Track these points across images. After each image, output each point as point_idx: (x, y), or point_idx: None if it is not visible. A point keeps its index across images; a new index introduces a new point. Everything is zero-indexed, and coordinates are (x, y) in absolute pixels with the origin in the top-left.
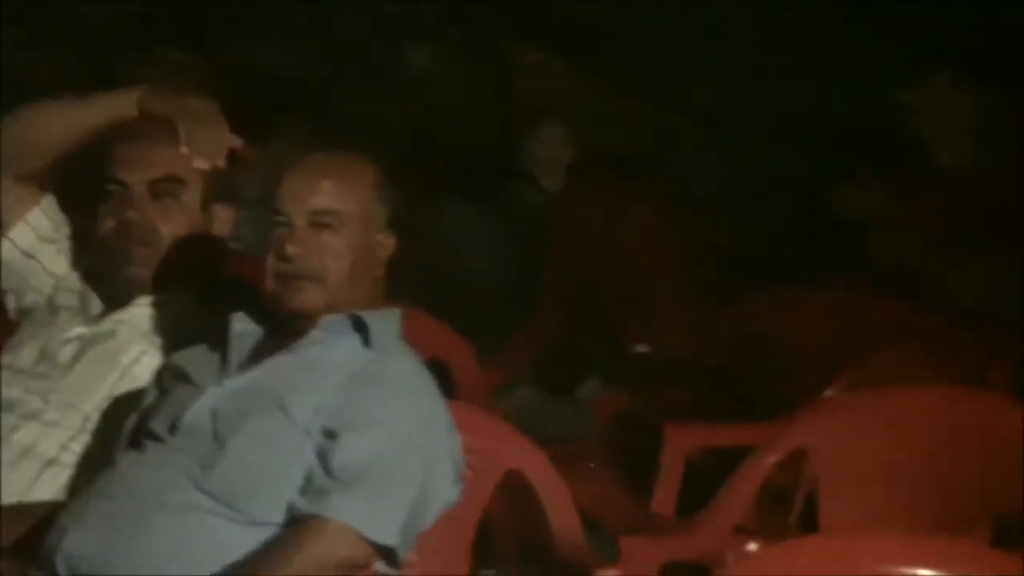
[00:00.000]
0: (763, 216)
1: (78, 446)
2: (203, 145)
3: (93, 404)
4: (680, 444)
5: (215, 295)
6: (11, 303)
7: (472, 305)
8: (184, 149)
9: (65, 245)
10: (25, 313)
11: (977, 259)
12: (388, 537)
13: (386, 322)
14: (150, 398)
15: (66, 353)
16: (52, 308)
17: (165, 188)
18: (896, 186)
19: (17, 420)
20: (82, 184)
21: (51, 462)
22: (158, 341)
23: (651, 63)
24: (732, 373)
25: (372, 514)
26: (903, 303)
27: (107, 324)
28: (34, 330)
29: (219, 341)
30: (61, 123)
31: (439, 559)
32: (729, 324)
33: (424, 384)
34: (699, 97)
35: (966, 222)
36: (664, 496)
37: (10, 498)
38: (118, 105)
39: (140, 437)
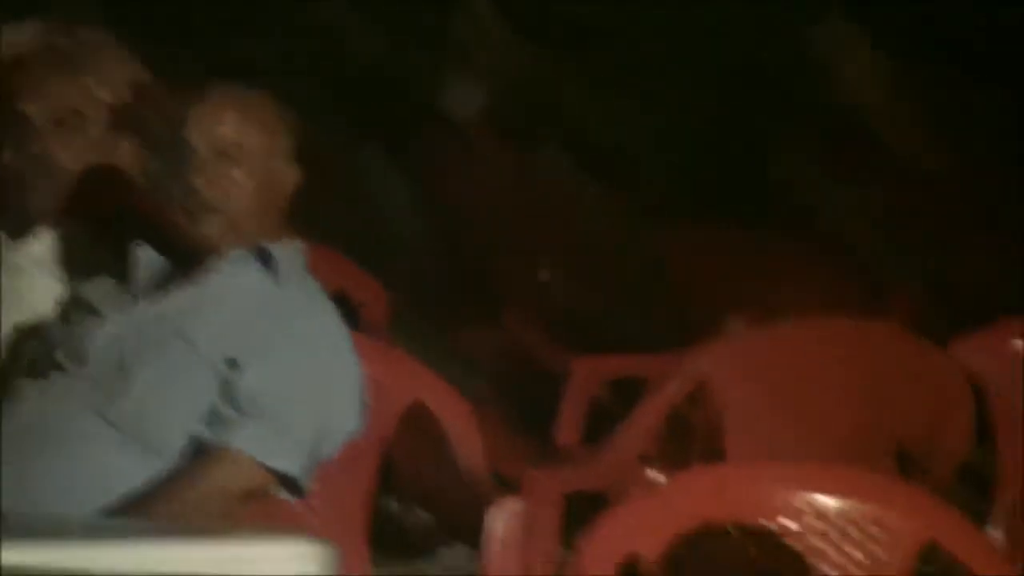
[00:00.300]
0: (667, 157)
1: None
2: (106, 77)
3: None
4: (585, 375)
5: (119, 227)
6: None
7: (383, 249)
8: (87, 81)
9: None
10: None
11: (874, 198)
12: (290, 466)
13: (290, 254)
14: (53, 328)
15: None
16: None
17: (67, 120)
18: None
19: None
20: None
21: None
22: (61, 272)
23: (570, 17)
24: (636, 307)
25: (274, 444)
26: (802, 240)
27: (8, 256)
28: None
29: (123, 272)
30: None
31: (342, 488)
32: (630, 262)
33: (328, 316)
34: (612, 48)
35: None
36: (569, 427)
37: None
38: (16, 41)
39: (44, 367)
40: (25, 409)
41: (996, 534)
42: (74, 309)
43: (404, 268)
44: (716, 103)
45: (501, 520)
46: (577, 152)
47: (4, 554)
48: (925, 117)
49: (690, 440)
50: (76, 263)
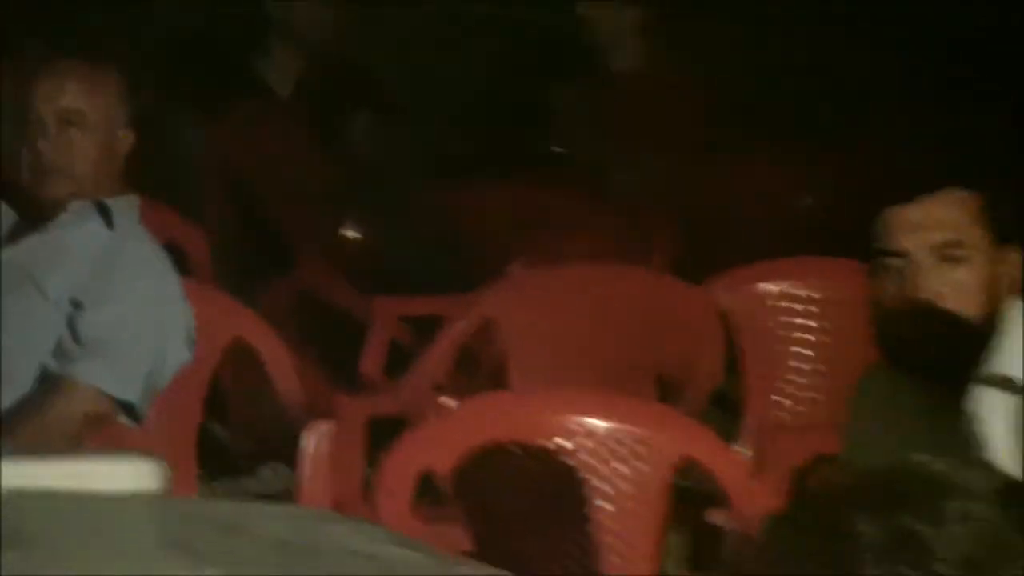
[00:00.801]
0: (453, 115)
1: None
2: None
3: None
4: (385, 315)
5: None
6: None
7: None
8: None
9: None
10: None
11: (643, 154)
12: (128, 394)
13: (125, 207)
14: None
15: None
16: None
17: None
18: (577, 87)
19: None
20: None
21: None
22: None
23: None
24: (433, 256)
25: (114, 375)
26: (579, 194)
27: None
28: None
29: None
30: None
31: (174, 414)
32: (428, 215)
33: (159, 262)
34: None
35: (635, 120)
36: (373, 360)
37: None
38: None
39: None
40: None
41: (744, 451)
42: None
43: (214, 222)
44: (507, 63)
45: (314, 441)
46: (384, 112)
47: None
48: (692, 75)
49: (478, 371)
50: None
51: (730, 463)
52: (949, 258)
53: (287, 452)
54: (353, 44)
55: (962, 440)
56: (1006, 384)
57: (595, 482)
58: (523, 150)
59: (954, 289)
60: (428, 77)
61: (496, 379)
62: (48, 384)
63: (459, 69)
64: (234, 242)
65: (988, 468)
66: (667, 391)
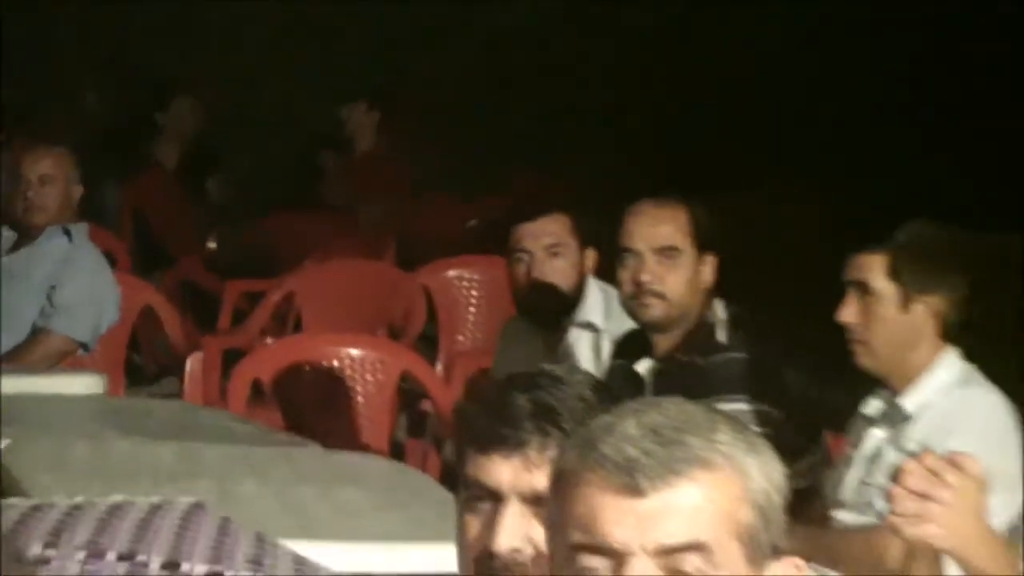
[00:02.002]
0: (273, 176)
1: None
2: None
3: None
4: (233, 290)
5: None
6: None
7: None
8: None
9: None
10: None
11: (375, 201)
12: (84, 337)
13: (80, 230)
14: None
15: None
16: None
17: None
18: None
19: None
20: None
21: None
22: None
23: None
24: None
25: (74, 326)
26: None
27: None
28: None
29: None
30: None
31: (110, 348)
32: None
33: (100, 260)
34: None
35: (372, 180)
36: (225, 318)
37: None
38: None
39: None
40: None
41: (439, 368)
42: None
43: (129, 239)
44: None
45: (191, 364)
46: (227, 175)
47: None
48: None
49: (285, 321)
50: None
51: (432, 374)
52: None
53: (177, 370)
54: (209, 131)
55: (563, 358)
56: (589, 327)
57: (355, 386)
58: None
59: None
60: (261, 152)
61: (296, 327)
62: (36, 333)
63: (281, 146)
64: (141, 251)
65: (583, 371)
66: (394, 333)
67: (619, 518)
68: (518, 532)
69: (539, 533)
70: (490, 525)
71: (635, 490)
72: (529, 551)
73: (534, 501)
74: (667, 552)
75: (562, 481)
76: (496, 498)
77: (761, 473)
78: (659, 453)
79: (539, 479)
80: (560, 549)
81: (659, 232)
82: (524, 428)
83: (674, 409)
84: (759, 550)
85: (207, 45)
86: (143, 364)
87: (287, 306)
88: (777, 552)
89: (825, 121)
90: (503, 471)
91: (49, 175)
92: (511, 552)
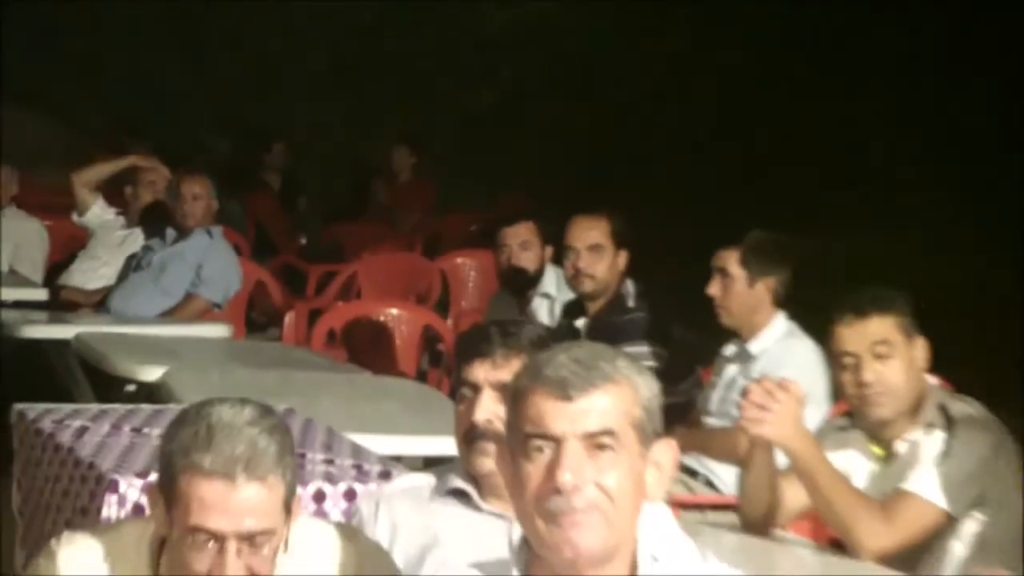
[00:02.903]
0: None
1: None
2: None
3: None
4: (315, 271)
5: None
6: None
7: None
8: None
9: None
10: None
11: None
12: (219, 299)
13: (217, 230)
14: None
15: None
16: None
17: None
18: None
19: None
20: None
21: None
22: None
23: None
24: None
25: (212, 292)
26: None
27: None
28: None
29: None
30: None
31: (235, 307)
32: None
33: (229, 249)
34: None
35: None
36: (310, 289)
37: None
38: None
39: (137, 267)
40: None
41: (450, 322)
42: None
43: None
44: None
45: (288, 319)
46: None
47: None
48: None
49: (350, 292)
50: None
51: (444, 326)
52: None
53: (278, 323)
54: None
55: (530, 317)
56: (547, 296)
57: (394, 334)
58: (362, 211)
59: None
60: (330, 179)
61: (357, 296)
62: (187, 297)
63: (345, 175)
64: (258, 244)
65: (534, 324)
66: (420, 299)
67: (557, 415)
68: (490, 409)
69: (503, 411)
70: (472, 407)
71: (567, 397)
72: (498, 424)
73: (500, 389)
74: (589, 436)
75: (518, 394)
76: (476, 389)
77: (646, 386)
78: (582, 373)
79: (504, 375)
80: (517, 437)
81: (590, 235)
82: (494, 342)
83: (590, 347)
84: (646, 434)
85: (293, 98)
86: (256, 318)
87: (351, 282)
88: (658, 435)
89: (690, 146)
90: (480, 370)
91: (197, 193)
92: (486, 423)
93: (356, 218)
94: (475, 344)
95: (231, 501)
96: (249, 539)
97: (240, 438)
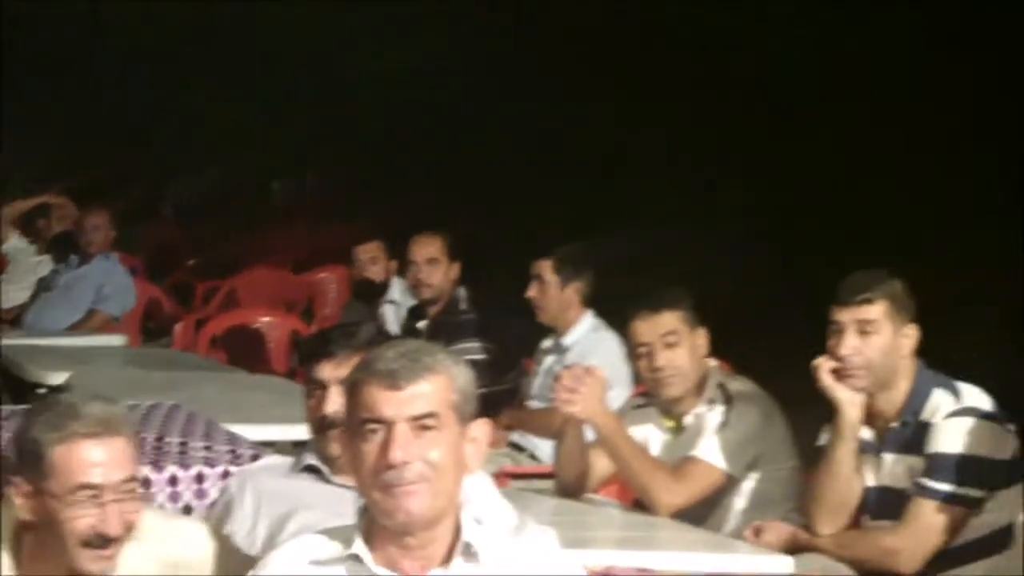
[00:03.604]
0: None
1: None
2: None
3: None
4: (201, 287)
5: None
6: None
7: None
8: None
9: None
10: None
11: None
12: (117, 312)
13: (114, 257)
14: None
15: None
16: None
17: None
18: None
19: None
20: None
21: None
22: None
23: None
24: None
25: (112, 307)
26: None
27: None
28: None
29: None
30: None
31: (131, 320)
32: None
33: (125, 273)
34: None
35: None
36: (196, 303)
37: None
38: None
39: (46, 287)
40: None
41: (313, 327)
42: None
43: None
44: None
45: (177, 329)
46: None
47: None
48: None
49: (231, 303)
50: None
51: (308, 329)
52: None
53: (169, 332)
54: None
55: (380, 320)
56: (393, 303)
57: (267, 338)
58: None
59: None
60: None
61: (236, 306)
62: (90, 312)
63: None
64: (153, 266)
65: (372, 325)
66: (289, 308)
67: (388, 402)
68: (337, 403)
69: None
70: (321, 401)
71: (396, 387)
72: (342, 415)
73: (342, 384)
74: (415, 419)
75: (354, 385)
76: (323, 386)
77: (462, 375)
78: (408, 366)
79: (344, 372)
80: (354, 422)
81: (427, 251)
82: (337, 344)
83: (415, 344)
84: (464, 415)
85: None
86: (152, 328)
87: (232, 294)
88: (473, 416)
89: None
90: (326, 369)
91: (97, 225)
92: (335, 414)
93: (238, 240)
94: (321, 346)
95: (108, 455)
96: (125, 485)
97: (94, 406)
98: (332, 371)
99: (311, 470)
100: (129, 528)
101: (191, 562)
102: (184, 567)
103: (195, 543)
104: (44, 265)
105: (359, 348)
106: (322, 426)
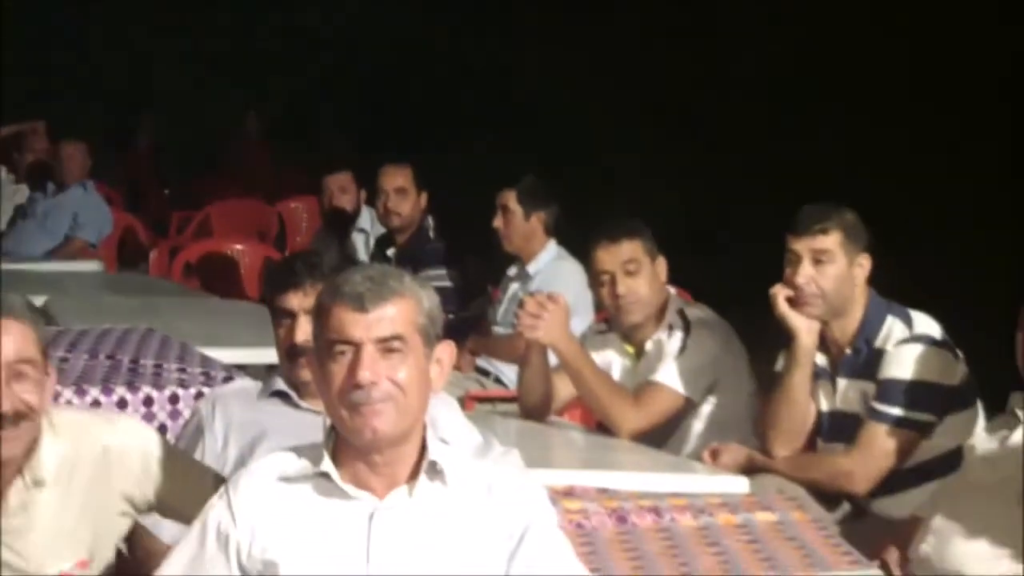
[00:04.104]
0: None
1: None
2: None
3: None
4: (176, 216)
5: None
6: None
7: None
8: None
9: None
10: None
11: None
12: (93, 239)
13: (91, 185)
14: None
15: None
16: None
17: None
18: None
19: None
20: None
21: None
22: None
23: None
24: None
25: (89, 234)
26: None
27: None
28: None
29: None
30: None
31: (107, 244)
32: None
33: (101, 200)
34: None
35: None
36: (172, 230)
37: None
38: None
39: None
40: (12, 229)
41: (286, 253)
42: (29, 204)
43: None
44: None
45: (152, 256)
46: None
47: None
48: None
49: (205, 231)
50: None
51: (280, 256)
52: None
53: (144, 259)
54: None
55: (349, 248)
56: (363, 231)
57: (239, 264)
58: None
59: None
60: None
61: (210, 234)
62: (67, 239)
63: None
64: (129, 196)
65: (335, 254)
66: (261, 236)
67: (355, 325)
68: (307, 331)
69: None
70: (291, 331)
71: (363, 309)
72: (311, 343)
73: (309, 312)
74: (382, 340)
75: (322, 309)
76: (292, 315)
77: (427, 299)
78: (375, 289)
79: (311, 301)
80: (322, 344)
81: (396, 182)
82: (303, 274)
83: (382, 268)
84: (429, 337)
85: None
86: (126, 255)
87: (205, 223)
88: (439, 338)
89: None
90: (294, 299)
91: (72, 154)
92: (305, 342)
93: (212, 172)
94: (286, 277)
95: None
96: (18, 366)
97: None
98: (300, 301)
99: (280, 395)
100: (23, 408)
101: (126, 449)
102: (117, 454)
103: (133, 434)
104: (21, 193)
105: (325, 276)
106: (293, 353)
